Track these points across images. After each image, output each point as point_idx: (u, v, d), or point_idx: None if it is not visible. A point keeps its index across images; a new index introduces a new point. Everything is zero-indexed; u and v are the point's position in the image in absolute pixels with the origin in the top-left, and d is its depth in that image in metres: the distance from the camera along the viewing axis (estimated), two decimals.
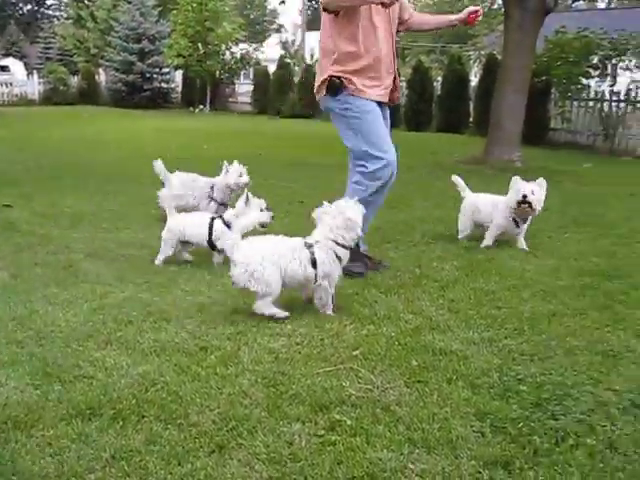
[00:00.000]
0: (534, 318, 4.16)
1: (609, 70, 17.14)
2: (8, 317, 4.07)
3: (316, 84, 5.09)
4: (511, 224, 5.93)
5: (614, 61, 16.64)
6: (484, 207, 6.07)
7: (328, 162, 11.72)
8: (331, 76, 4.93)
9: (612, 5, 46.56)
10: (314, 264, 4.10)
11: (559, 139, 17.22)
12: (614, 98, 16.64)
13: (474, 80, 20.56)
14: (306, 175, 10.37)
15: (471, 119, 19.52)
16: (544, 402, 3.02)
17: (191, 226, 5.32)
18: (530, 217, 5.89)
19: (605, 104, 16.79)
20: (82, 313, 4.16)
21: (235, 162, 6.35)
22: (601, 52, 16.44)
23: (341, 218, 4.16)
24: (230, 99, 28.97)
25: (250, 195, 5.16)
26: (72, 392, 3.09)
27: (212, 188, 6.44)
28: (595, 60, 16.62)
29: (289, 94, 24.87)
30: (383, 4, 4.66)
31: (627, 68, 16.48)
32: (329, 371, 3.33)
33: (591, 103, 17.10)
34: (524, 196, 5.68)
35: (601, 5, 45.40)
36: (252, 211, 4.93)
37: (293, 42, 41.90)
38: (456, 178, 6.31)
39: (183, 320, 4.05)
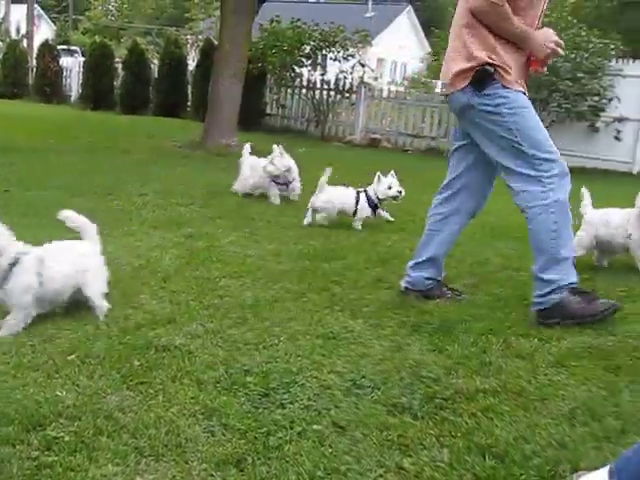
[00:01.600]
0: (257, 305, 4.16)
1: (320, 60, 18.01)
2: None
3: (446, 76, 4.09)
4: None
5: (324, 52, 17.50)
6: None
7: (40, 146, 10.92)
8: (485, 63, 3.91)
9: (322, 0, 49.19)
10: None
11: (275, 124, 17.79)
12: (325, 87, 17.55)
13: (192, 64, 20.44)
14: (17, 160, 9.48)
15: (189, 103, 19.40)
16: (272, 392, 3.01)
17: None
18: None
19: (317, 92, 17.66)
20: None
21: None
22: (312, 42, 17.21)
23: None
24: None
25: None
26: None
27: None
28: (307, 50, 17.37)
29: None
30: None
31: (335, 59, 17.44)
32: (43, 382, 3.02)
33: (304, 91, 17.88)
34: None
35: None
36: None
37: None
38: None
39: None
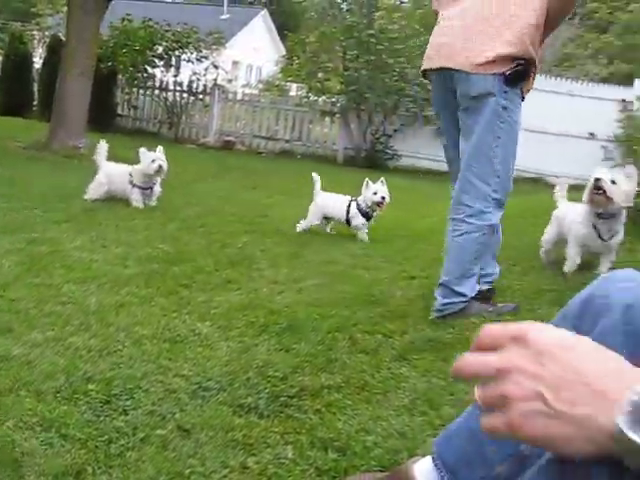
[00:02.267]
0: (101, 311, 4.04)
1: (173, 61, 17.76)
2: None
3: (469, 51, 3.68)
4: None
5: (177, 53, 17.27)
6: None
7: None
8: (531, 60, 3.65)
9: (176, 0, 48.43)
10: None
11: (127, 125, 17.36)
12: (178, 88, 17.33)
13: (38, 62, 19.54)
14: None
15: (35, 102, 18.55)
16: (114, 399, 2.93)
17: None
18: None
19: (170, 94, 17.40)
20: None
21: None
22: (165, 43, 16.95)
23: None
24: None
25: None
26: None
27: None
28: (160, 50, 17.08)
29: None
30: None
31: (189, 60, 17.26)
32: None
33: (157, 92, 17.57)
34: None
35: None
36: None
37: None
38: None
39: None
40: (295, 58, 18.23)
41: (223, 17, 37.02)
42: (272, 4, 42.30)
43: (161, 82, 17.48)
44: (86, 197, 7.49)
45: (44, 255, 5.15)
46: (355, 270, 5.47)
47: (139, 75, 17.08)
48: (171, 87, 17.35)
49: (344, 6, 18.23)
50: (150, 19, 17.00)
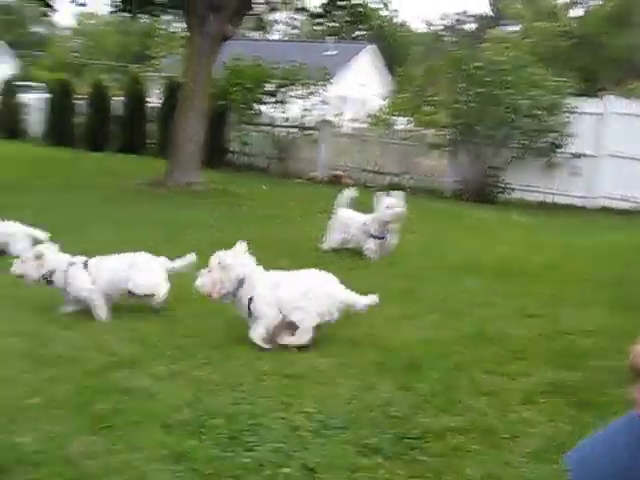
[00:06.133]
0: (223, 345, 4.11)
1: (281, 97, 18.13)
2: None
3: None
4: None
5: (285, 89, 17.63)
6: None
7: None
8: None
9: (283, 38, 49.74)
10: None
11: (237, 162, 17.79)
12: (286, 124, 17.66)
13: (154, 102, 20.39)
14: None
15: (153, 141, 19.32)
16: (238, 434, 2.97)
17: None
18: None
19: (278, 130, 17.75)
20: None
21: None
22: (274, 80, 17.34)
23: None
24: None
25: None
26: None
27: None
28: (269, 88, 17.49)
29: None
30: None
31: (297, 97, 17.58)
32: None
33: (266, 128, 17.95)
34: None
35: (274, 37, 48.19)
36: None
37: None
38: None
39: None
40: (402, 92, 18.25)
41: (329, 53, 37.69)
42: (378, 39, 42.73)
43: (270, 119, 17.88)
44: (324, 247, 7.09)
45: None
46: (471, 307, 5.34)
47: (249, 112, 17.51)
48: (280, 123, 17.70)
49: (449, 39, 18.17)
50: (260, 57, 17.48)
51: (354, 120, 19.20)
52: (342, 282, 4.30)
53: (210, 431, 2.98)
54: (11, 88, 22.08)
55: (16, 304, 4.69)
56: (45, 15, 14.70)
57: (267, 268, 5.96)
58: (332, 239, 7.11)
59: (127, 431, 2.95)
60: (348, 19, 19.14)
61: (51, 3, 13.66)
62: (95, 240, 6.80)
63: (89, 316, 4.51)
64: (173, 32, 49.70)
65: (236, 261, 4.16)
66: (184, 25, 13.69)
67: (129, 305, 4.77)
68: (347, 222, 7.04)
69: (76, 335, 4.17)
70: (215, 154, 15.88)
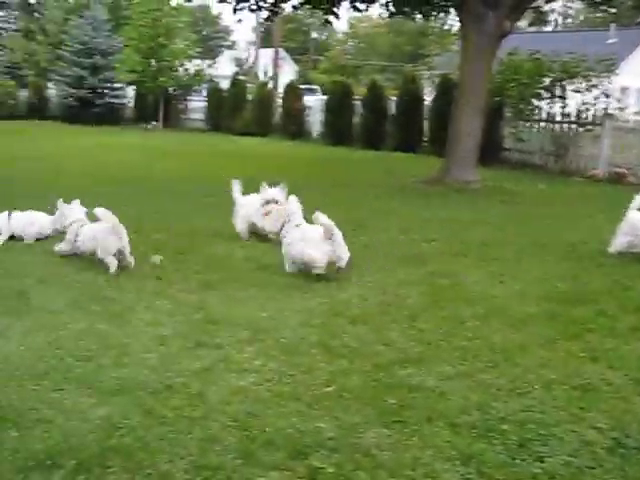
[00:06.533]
0: (506, 349, 4.06)
1: (559, 92, 17.38)
2: None
3: None
4: None
5: (564, 83, 16.87)
6: None
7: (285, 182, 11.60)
8: None
9: (559, 29, 47.68)
10: None
11: (512, 159, 17.39)
12: (565, 119, 16.90)
13: (428, 99, 20.64)
14: None
15: (426, 138, 19.59)
16: (528, 443, 2.92)
17: None
18: None
19: (556, 125, 17.05)
20: (37, 347, 3.93)
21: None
22: (552, 74, 16.68)
23: None
24: (182, 116, 28.61)
25: None
26: (30, 439, 2.88)
27: None
28: (547, 82, 16.86)
29: (243, 112, 24.65)
30: None
31: (577, 90, 16.74)
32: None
33: (543, 124, 17.33)
34: None
35: (547, 28, 46.40)
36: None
37: (246, 59, 41.78)
38: None
39: (144, 354, 3.84)
40: None
41: (610, 42, 35.38)
42: None
43: (548, 114, 17.22)
44: (610, 250, 6.62)
45: (445, 288, 5.37)
46: None
47: (526, 108, 17.03)
48: (558, 118, 16.99)
49: None
50: (537, 51, 16.91)
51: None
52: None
53: (499, 436, 2.96)
54: (293, 91, 23.60)
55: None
56: (328, 23, 15.48)
57: (548, 272, 5.79)
58: (618, 242, 6.68)
59: (417, 427, 3.03)
60: (632, 3, 17.81)
61: (337, 11, 14.38)
62: (380, 238, 7.12)
63: (376, 312, 4.71)
64: (447, 29, 50.03)
65: None
66: (458, 22, 13.64)
67: (416, 305, 4.90)
68: (637, 225, 6.56)
69: (363, 329, 4.36)
70: (489, 151, 15.66)
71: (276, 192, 6.68)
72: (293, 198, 6.06)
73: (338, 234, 5.50)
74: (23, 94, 30.39)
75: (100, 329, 4.24)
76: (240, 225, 7.09)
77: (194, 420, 3.06)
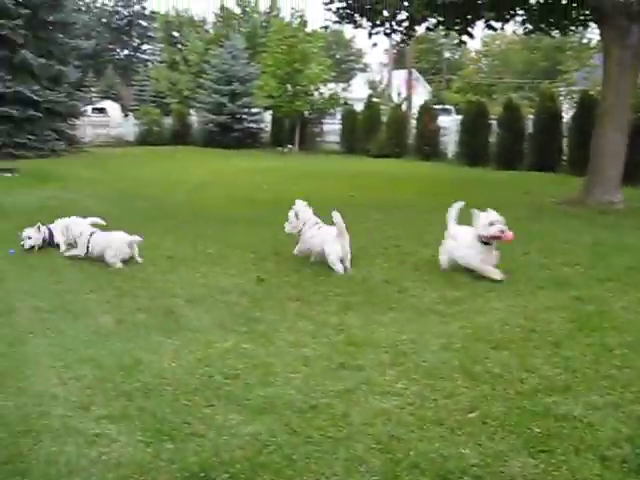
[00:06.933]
0: None
1: None
2: (115, 367, 4.10)
3: None
4: None
5: None
6: None
7: (421, 204, 11.60)
8: None
9: None
10: None
11: None
12: None
13: (565, 117, 20.01)
14: (399, 218, 10.18)
15: (565, 157, 18.98)
16: None
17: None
18: None
19: None
20: (188, 364, 4.14)
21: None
22: None
23: None
24: (318, 139, 29.23)
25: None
26: (184, 452, 3.05)
27: None
28: None
29: (377, 134, 24.87)
30: None
31: None
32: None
33: None
34: None
35: None
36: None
37: (380, 81, 42.14)
38: None
39: (289, 374, 3.97)
40: None
41: None
42: None
43: None
44: None
45: (591, 314, 5.18)
46: None
47: None
48: None
49: None
50: None
51: None
52: None
53: None
54: (428, 112, 23.54)
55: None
56: (462, 43, 15.35)
57: None
58: None
59: (565, 458, 2.96)
60: None
61: (471, 31, 14.26)
62: (519, 261, 6.98)
63: (519, 338, 4.63)
64: (585, 43, 48.31)
65: None
66: (598, 36, 13.17)
67: (560, 331, 4.78)
68: None
69: (505, 355, 4.30)
70: (634, 170, 14.96)
71: (495, 214, 6.48)
72: (300, 202, 7.14)
73: (346, 235, 6.54)
74: (167, 121, 32.07)
75: (246, 348, 4.42)
76: (442, 255, 6.69)
77: (338, 440, 3.13)
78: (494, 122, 20.80)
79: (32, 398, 3.66)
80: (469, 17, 13.75)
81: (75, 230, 7.26)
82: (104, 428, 3.29)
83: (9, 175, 16.36)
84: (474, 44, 66.36)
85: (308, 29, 28.67)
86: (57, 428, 3.30)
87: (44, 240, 7.63)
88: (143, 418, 3.39)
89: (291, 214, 7.08)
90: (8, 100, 21.46)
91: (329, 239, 6.62)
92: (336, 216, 6.51)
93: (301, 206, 7.12)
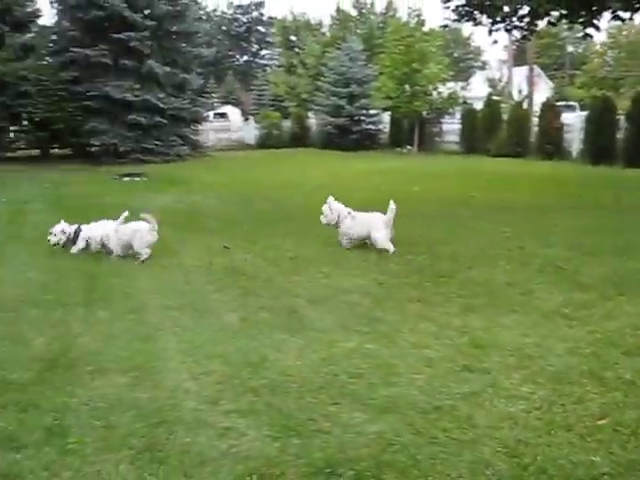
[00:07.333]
0: None
1: None
2: (242, 363, 4.23)
3: None
4: None
5: None
6: None
7: (542, 204, 11.29)
8: None
9: None
10: None
11: None
12: None
13: None
14: (521, 218, 9.94)
15: None
16: None
17: None
18: None
19: None
20: (312, 363, 4.23)
21: None
22: None
23: None
24: (437, 139, 28.92)
25: None
26: (310, 447, 3.12)
27: None
28: None
29: (498, 133, 24.32)
30: None
31: None
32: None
33: None
34: None
35: None
36: None
37: (499, 79, 41.18)
38: None
39: (412, 375, 3.98)
40: None
41: None
42: None
43: None
44: None
45: None
46: None
47: None
48: None
49: None
50: None
51: None
52: None
53: None
54: (551, 109, 22.81)
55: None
56: (588, 36, 14.75)
57: None
58: None
59: None
60: None
61: (597, 23, 13.72)
62: None
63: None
64: None
65: None
66: None
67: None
68: None
69: (638, 361, 4.13)
70: None
71: None
72: (331, 199, 7.97)
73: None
74: (286, 124, 32.65)
75: (369, 348, 4.46)
76: None
77: (463, 443, 3.11)
78: (622, 117, 19.93)
79: (165, 391, 3.84)
80: (595, 8, 13.26)
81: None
82: (233, 422, 3.41)
83: (139, 179, 17.26)
84: (599, 36, 63.46)
85: (425, 28, 28.45)
86: (189, 420, 3.45)
87: (68, 238, 7.89)
88: (270, 413, 3.49)
89: (325, 208, 7.99)
90: (136, 108, 22.51)
91: (377, 225, 7.56)
92: (392, 204, 7.40)
93: (333, 201, 7.98)
